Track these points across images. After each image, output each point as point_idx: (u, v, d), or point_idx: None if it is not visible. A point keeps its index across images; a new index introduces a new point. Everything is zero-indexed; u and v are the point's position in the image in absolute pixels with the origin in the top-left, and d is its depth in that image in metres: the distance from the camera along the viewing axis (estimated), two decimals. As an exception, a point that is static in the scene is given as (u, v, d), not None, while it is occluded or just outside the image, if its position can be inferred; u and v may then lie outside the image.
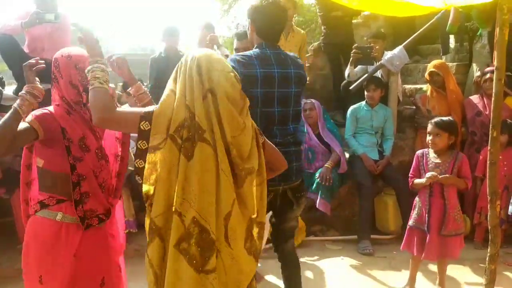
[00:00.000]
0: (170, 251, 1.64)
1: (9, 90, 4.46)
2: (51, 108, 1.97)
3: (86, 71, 1.84)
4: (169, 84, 1.75)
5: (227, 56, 4.80)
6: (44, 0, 4.22)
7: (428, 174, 3.12)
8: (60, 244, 1.90)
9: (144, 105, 2.08)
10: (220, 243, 1.68)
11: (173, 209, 1.64)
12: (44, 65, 2.01)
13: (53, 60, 2.00)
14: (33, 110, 1.90)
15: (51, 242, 1.91)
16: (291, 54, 2.55)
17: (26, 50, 4.42)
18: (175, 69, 1.77)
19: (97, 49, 1.89)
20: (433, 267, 3.53)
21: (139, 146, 1.70)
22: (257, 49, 2.40)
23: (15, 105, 1.85)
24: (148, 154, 1.67)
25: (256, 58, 2.34)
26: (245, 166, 1.70)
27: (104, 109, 1.75)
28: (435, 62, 4.69)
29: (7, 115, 1.83)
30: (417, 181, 3.22)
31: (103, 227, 2.04)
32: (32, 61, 2.00)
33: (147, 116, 1.70)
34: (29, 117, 1.88)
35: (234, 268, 1.71)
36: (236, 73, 1.76)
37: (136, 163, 1.71)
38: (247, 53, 2.39)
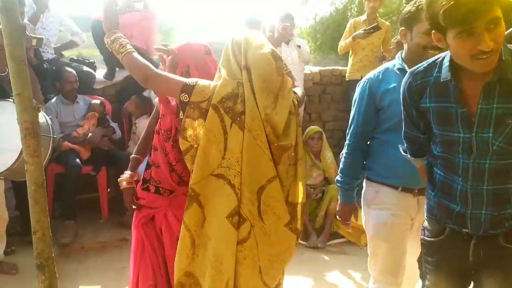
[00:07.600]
0: (222, 222, 1.69)
1: (99, 74, 4.73)
2: None
3: (109, 41, 1.82)
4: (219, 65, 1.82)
5: (299, 46, 4.71)
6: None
7: None
8: None
9: None
10: (254, 217, 1.70)
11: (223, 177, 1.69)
12: None
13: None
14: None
15: None
16: None
17: (116, 36, 4.66)
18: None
19: None
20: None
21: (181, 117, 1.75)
22: None
23: None
24: (189, 120, 1.72)
25: None
26: (280, 143, 1.70)
27: (147, 67, 1.76)
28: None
29: None
30: None
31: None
32: None
33: (187, 89, 1.72)
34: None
35: (267, 243, 1.72)
36: (276, 52, 1.75)
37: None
38: None
